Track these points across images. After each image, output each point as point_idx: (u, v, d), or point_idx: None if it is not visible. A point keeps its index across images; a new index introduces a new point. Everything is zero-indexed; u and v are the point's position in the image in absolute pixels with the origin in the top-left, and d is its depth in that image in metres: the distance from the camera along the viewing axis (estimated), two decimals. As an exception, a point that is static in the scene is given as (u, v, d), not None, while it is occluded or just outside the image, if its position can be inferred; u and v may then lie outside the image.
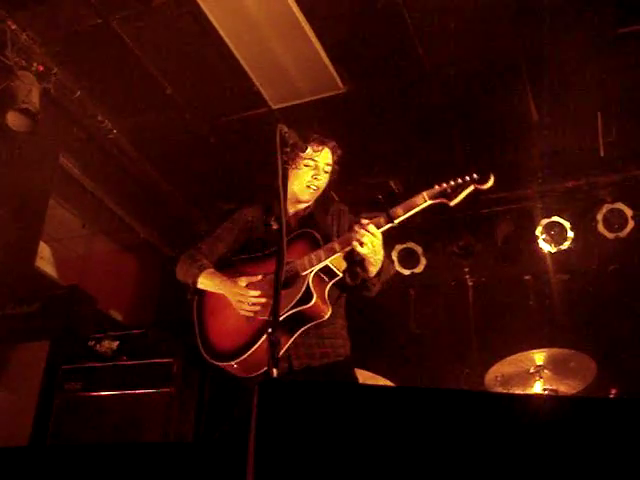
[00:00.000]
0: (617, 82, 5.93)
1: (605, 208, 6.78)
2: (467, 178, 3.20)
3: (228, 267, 3.60)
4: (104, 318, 5.75)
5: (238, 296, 3.42)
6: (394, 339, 7.33)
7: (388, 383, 5.32)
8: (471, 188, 3.20)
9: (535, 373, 5.22)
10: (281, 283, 2.82)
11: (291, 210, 3.70)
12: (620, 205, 6.75)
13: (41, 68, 5.71)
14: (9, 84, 5.43)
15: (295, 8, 5.37)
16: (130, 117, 6.57)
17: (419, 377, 6.62)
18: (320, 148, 3.70)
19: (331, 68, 5.93)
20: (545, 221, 6.96)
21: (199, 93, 6.33)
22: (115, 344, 5.15)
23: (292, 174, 3.65)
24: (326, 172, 3.70)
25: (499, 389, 5.36)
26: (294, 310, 3.25)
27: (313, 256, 3.31)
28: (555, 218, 6.94)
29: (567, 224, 6.90)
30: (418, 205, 3.23)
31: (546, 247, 6.94)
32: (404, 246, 7.45)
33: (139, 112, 6.52)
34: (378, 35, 5.65)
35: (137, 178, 7.19)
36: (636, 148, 6.71)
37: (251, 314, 3.36)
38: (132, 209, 7.57)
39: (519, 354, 5.21)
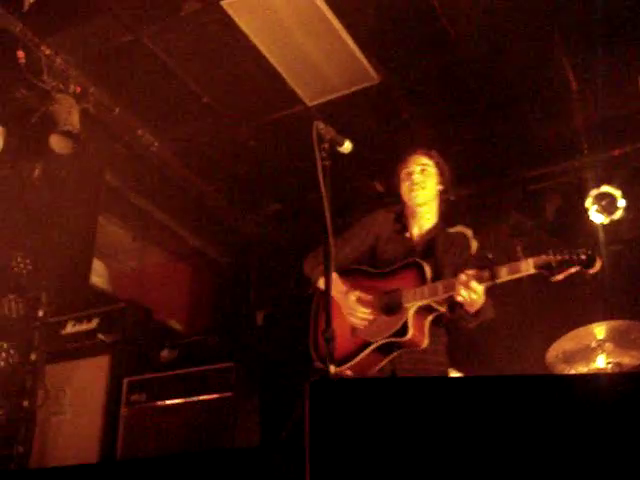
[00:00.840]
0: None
1: (655, 173, 6.64)
2: (575, 257, 3.19)
3: (348, 275, 3.76)
4: (162, 328, 5.82)
5: (347, 309, 3.61)
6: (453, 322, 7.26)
7: (450, 370, 5.29)
8: (576, 269, 3.21)
9: (597, 347, 5.12)
10: (330, 290, 2.89)
11: (415, 229, 3.87)
12: (668, 173, 6.61)
13: (78, 89, 5.80)
14: (49, 108, 5.52)
15: (321, 3, 5.36)
16: (169, 128, 6.65)
17: (480, 362, 6.55)
18: (408, 158, 3.92)
19: (363, 59, 5.91)
20: (594, 192, 6.83)
21: (234, 98, 6.37)
22: (175, 353, 5.22)
23: (402, 193, 3.89)
24: (424, 171, 3.84)
25: (562, 366, 5.28)
26: (389, 340, 3.45)
27: (418, 292, 3.45)
28: (604, 188, 6.81)
29: (617, 193, 6.76)
30: (522, 271, 3.29)
31: (598, 218, 6.81)
32: (454, 230, 7.36)
33: (178, 123, 6.60)
34: (407, 22, 5.60)
35: (181, 187, 7.26)
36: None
37: (360, 327, 3.56)
38: (180, 218, 7.65)
39: (579, 329, 5.13)
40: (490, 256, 6.69)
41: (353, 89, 6.24)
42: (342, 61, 5.92)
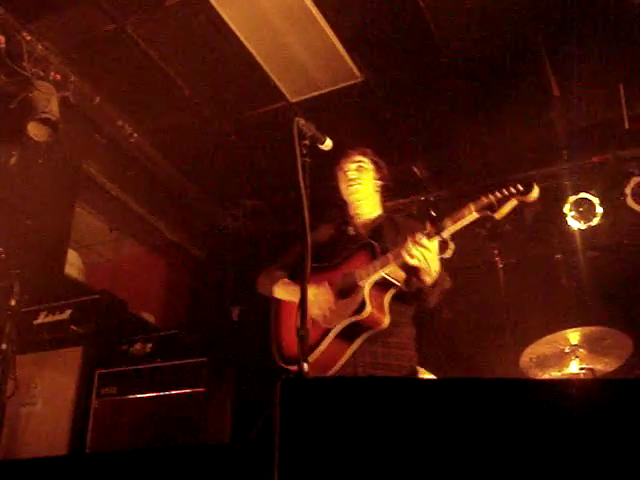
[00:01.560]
0: (638, 52, 5.83)
1: (633, 181, 6.66)
2: (512, 190, 3.21)
3: (295, 278, 3.71)
4: (136, 321, 5.77)
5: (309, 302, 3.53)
6: (427, 325, 7.29)
7: (423, 371, 5.29)
8: (514, 202, 3.22)
9: (570, 353, 5.15)
10: (307, 280, 2.86)
11: (359, 221, 3.86)
12: (646, 178, 6.65)
13: (58, 77, 5.74)
14: (28, 95, 5.46)
15: (307, 0, 5.34)
16: (150, 120, 6.60)
17: (453, 362, 6.58)
18: (344, 159, 3.91)
19: (347, 58, 5.90)
20: (573, 198, 6.86)
21: (217, 91, 6.34)
22: (148, 346, 5.18)
23: (341, 191, 3.90)
24: (360, 169, 3.85)
25: (535, 371, 5.31)
26: (349, 320, 3.38)
27: (370, 267, 3.43)
28: (583, 194, 6.85)
29: (595, 200, 6.80)
30: (465, 217, 3.28)
31: (575, 224, 6.85)
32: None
33: (158, 114, 6.55)
34: (392, 21, 5.60)
35: (160, 180, 7.22)
36: (662, 118, 6.59)
37: (319, 318, 3.48)
38: (158, 211, 7.60)
39: (553, 334, 5.15)
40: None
41: (336, 87, 6.24)
42: (326, 58, 5.91)
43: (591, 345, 5.11)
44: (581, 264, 6.97)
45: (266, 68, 6.03)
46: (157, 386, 4.86)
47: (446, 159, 7.19)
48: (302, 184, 2.97)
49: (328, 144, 3.34)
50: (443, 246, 7.36)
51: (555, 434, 1.71)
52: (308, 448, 1.55)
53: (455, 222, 3.30)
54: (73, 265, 6.33)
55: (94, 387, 4.98)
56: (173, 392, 4.80)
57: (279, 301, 3.76)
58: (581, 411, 1.78)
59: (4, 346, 4.75)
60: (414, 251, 3.26)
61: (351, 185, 3.81)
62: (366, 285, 3.40)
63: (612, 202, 6.83)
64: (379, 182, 3.91)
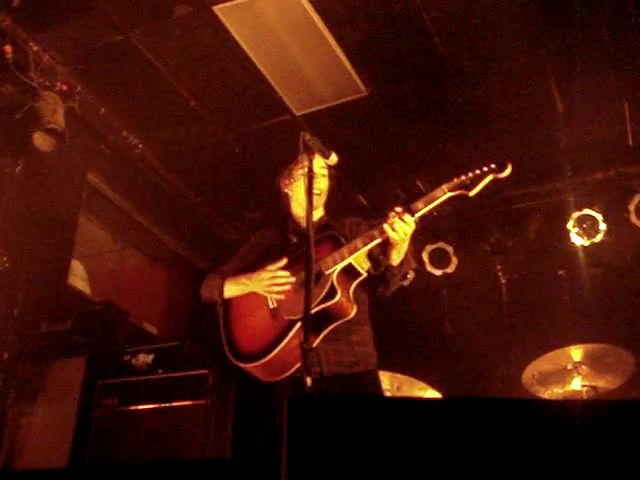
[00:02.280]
0: (642, 69, 5.85)
1: (637, 198, 6.69)
2: (485, 168, 3.28)
3: (250, 268, 3.68)
4: (138, 332, 5.77)
5: (267, 280, 3.52)
6: (429, 341, 7.29)
7: (425, 387, 5.29)
8: (489, 177, 3.28)
9: (573, 370, 5.15)
10: (311, 291, 2.85)
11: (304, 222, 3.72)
12: (652, 194, 6.66)
13: (65, 87, 5.76)
14: (34, 105, 5.47)
15: (313, 14, 5.36)
16: (155, 131, 6.62)
17: (456, 378, 6.57)
18: (311, 156, 3.60)
19: (352, 72, 5.92)
20: (576, 214, 6.88)
21: (222, 104, 6.35)
22: (150, 357, 5.17)
23: (293, 188, 3.83)
24: (324, 175, 3.77)
25: (537, 387, 5.31)
26: (319, 307, 3.29)
27: (337, 255, 3.39)
28: (586, 211, 6.86)
29: (599, 216, 6.82)
30: (438, 198, 3.32)
31: (579, 241, 6.86)
32: (435, 246, 7.41)
33: (164, 126, 6.57)
34: (398, 36, 5.62)
35: (165, 191, 7.23)
36: (666, 135, 6.61)
37: (281, 296, 3.45)
38: (161, 222, 7.61)
39: (556, 351, 5.16)
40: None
41: (341, 101, 6.25)
42: (331, 72, 5.93)
43: (593, 362, 5.11)
44: (584, 281, 6.98)
45: (271, 81, 6.05)
46: (159, 397, 4.85)
47: (449, 174, 7.19)
48: (307, 197, 2.98)
49: (333, 159, 3.33)
50: (446, 260, 7.37)
51: (558, 455, 1.71)
52: (315, 465, 1.54)
53: (427, 203, 3.32)
54: (77, 275, 6.33)
55: (95, 398, 4.97)
56: (175, 404, 4.79)
57: (228, 302, 3.67)
58: (582, 432, 1.78)
59: (6, 355, 4.76)
60: (397, 225, 3.27)
61: (314, 193, 3.54)
62: (334, 273, 3.35)
63: (615, 219, 6.85)
64: (328, 193, 3.83)
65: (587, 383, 5.15)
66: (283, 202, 3.93)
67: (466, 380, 6.69)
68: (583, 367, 5.13)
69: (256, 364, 3.38)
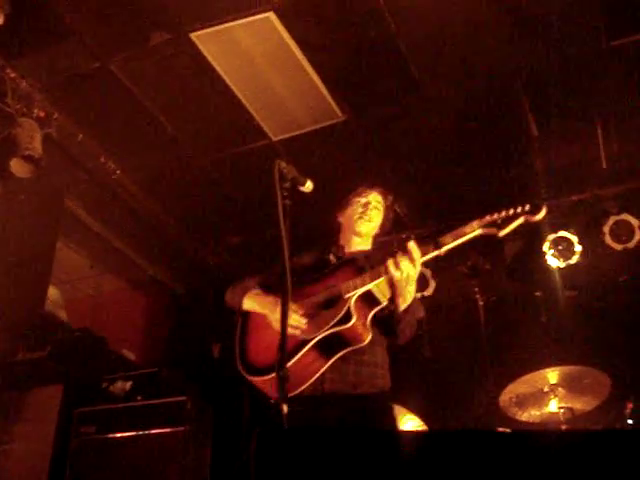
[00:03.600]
0: (614, 94, 5.95)
1: (611, 220, 6.76)
2: (519, 209, 3.16)
3: (274, 290, 3.62)
4: (116, 359, 5.74)
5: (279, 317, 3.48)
6: (407, 363, 7.29)
7: (404, 411, 5.30)
8: (522, 220, 3.16)
9: (550, 392, 5.18)
10: (287, 319, 2.86)
11: (347, 251, 3.81)
12: (626, 216, 6.74)
13: (42, 114, 5.75)
14: (11, 132, 5.47)
15: (289, 40, 5.42)
16: (132, 157, 6.61)
17: (434, 402, 6.57)
18: (368, 191, 3.88)
19: (329, 97, 5.97)
20: (552, 236, 6.94)
21: (200, 130, 6.37)
22: (128, 384, 5.15)
23: (344, 217, 3.91)
24: (377, 208, 3.83)
25: (514, 409, 5.33)
26: (332, 330, 3.28)
27: (358, 280, 3.36)
28: (562, 233, 6.93)
29: (574, 238, 6.88)
30: (467, 234, 3.23)
31: (554, 262, 6.91)
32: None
33: (141, 151, 6.57)
34: (374, 62, 5.68)
35: (142, 216, 7.22)
36: (638, 158, 6.70)
37: (291, 332, 3.32)
38: (139, 247, 7.59)
39: (532, 373, 5.18)
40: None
41: (318, 126, 6.29)
42: (308, 97, 5.97)
43: (570, 384, 5.14)
44: (561, 302, 7.03)
45: (249, 107, 6.08)
46: (137, 425, 4.83)
47: (425, 198, 7.26)
48: (282, 227, 2.98)
49: (309, 186, 3.34)
50: (424, 283, 7.40)
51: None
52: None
53: (456, 238, 3.24)
54: (53, 301, 6.30)
55: (73, 426, 4.93)
56: (153, 431, 4.77)
57: (247, 314, 3.66)
58: (561, 463, 1.79)
59: (-18, 383, 4.71)
60: (402, 263, 3.22)
61: (361, 219, 3.78)
62: (353, 298, 3.32)
63: (591, 240, 6.92)
64: (379, 229, 3.88)
65: (564, 405, 5.18)
66: (335, 229, 3.96)
67: (444, 403, 6.69)
68: (560, 389, 5.16)
69: (265, 378, 3.34)
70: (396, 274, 3.24)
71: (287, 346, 3.30)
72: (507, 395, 5.29)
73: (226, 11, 5.20)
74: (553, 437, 1.85)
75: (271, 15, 5.20)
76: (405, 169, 6.86)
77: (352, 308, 3.29)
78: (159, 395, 4.94)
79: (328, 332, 3.29)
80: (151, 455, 4.67)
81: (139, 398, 5.01)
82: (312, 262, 3.80)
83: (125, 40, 5.47)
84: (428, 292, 7.31)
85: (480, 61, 5.68)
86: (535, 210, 3.14)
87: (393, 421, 3.63)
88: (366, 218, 3.77)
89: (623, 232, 6.70)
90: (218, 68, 5.68)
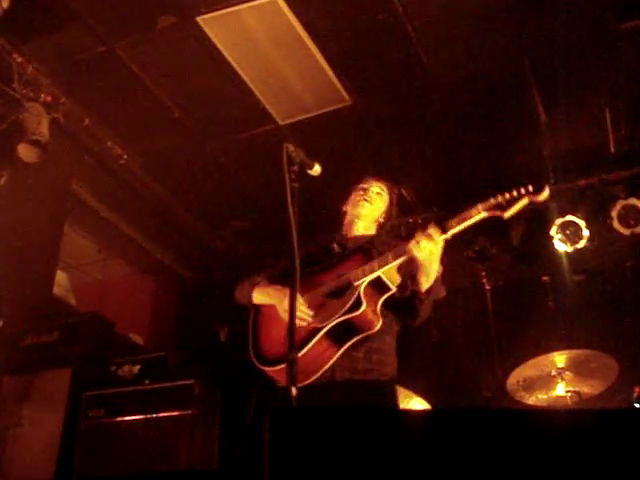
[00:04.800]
0: (622, 78, 5.92)
1: (619, 204, 6.73)
2: (522, 191, 3.13)
3: (284, 282, 3.58)
4: (124, 343, 5.76)
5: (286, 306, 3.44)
6: (415, 347, 7.30)
7: (411, 394, 5.31)
8: (526, 200, 3.13)
9: (557, 375, 5.18)
10: (295, 304, 2.86)
11: (350, 236, 3.81)
12: (634, 200, 6.71)
13: (49, 98, 5.76)
14: (18, 117, 5.47)
15: (297, 24, 5.40)
16: (140, 141, 6.62)
17: (441, 385, 6.59)
18: (371, 180, 3.91)
19: (336, 81, 5.96)
20: (560, 220, 6.92)
21: (206, 114, 6.37)
22: (136, 368, 5.16)
23: (347, 205, 3.91)
24: (379, 194, 3.85)
25: (522, 393, 5.33)
26: (343, 317, 3.29)
27: (366, 267, 3.35)
28: (569, 217, 6.91)
29: (582, 222, 6.86)
30: (472, 217, 3.20)
31: (562, 247, 6.90)
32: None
33: (148, 136, 6.57)
34: (381, 46, 5.67)
35: (150, 201, 7.23)
36: (647, 142, 6.69)
37: (299, 323, 3.31)
38: (146, 232, 7.60)
39: (540, 357, 5.18)
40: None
41: (325, 110, 6.28)
42: (315, 82, 5.96)
43: (577, 368, 5.14)
44: (568, 286, 7.03)
45: (255, 91, 6.07)
46: (145, 408, 4.85)
47: (433, 182, 7.25)
48: (290, 210, 2.98)
49: (317, 170, 3.34)
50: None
51: (545, 465, 1.73)
52: (297, 477, 1.55)
53: (461, 222, 3.21)
54: (61, 286, 6.32)
55: (81, 409, 4.96)
56: (161, 414, 4.79)
57: (258, 307, 3.67)
58: (568, 441, 1.79)
59: (-9, 367, 4.74)
60: (424, 242, 3.19)
61: (360, 200, 3.81)
62: (362, 285, 3.32)
63: (598, 225, 6.90)
64: (384, 216, 3.88)
65: (571, 389, 5.18)
66: (340, 219, 3.96)
67: (451, 387, 6.71)
68: (567, 373, 5.16)
69: (277, 368, 3.35)
70: (420, 255, 3.21)
71: (299, 336, 3.31)
72: (514, 378, 5.29)
73: (233, -5, 5.19)
74: (560, 416, 1.85)
75: (278, -2, 5.18)
76: (412, 153, 6.85)
77: (362, 295, 3.29)
78: (167, 379, 4.96)
79: (339, 320, 3.29)
80: (159, 438, 4.69)
81: (147, 382, 5.02)
82: (316, 252, 3.78)
83: (131, 24, 5.46)
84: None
85: (488, 45, 5.65)
86: (538, 190, 3.13)
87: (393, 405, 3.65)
88: (367, 200, 3.79)
89: (631, 216, 6.68)
90: (225, 52, 5.67)
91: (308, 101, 6.18)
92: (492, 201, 3.19)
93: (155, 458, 4.61)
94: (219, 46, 5.60)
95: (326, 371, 3.34)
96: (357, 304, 3.29)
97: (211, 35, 5.50)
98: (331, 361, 3.34)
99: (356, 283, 3.35)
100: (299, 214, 3.04)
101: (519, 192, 3.14)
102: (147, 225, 7.52)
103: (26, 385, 5.09)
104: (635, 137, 6.59)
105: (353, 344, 3.37)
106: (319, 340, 3.32)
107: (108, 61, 5.73)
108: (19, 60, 5.56)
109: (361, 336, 3.35)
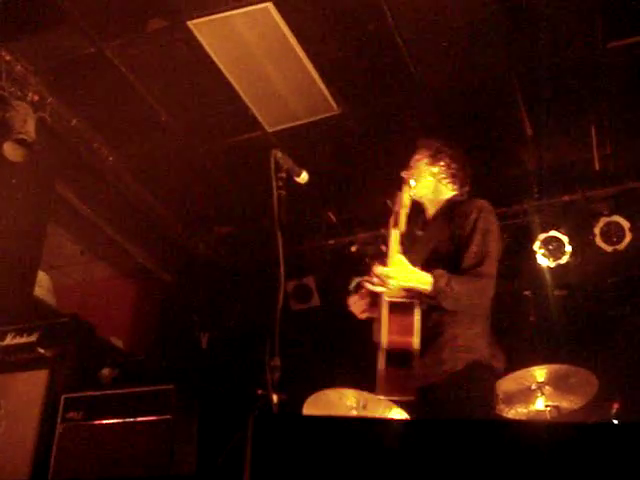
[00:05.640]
0: (609, 96, 5.97)
1: (602, 221, 6.78)
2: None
3: None
4: (104, 345, 5.72)
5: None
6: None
7: (391, 405, 5.30)
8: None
9: (537, 390, 5.19)
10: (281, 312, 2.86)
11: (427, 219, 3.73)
12: (617, 218, 6.76)
13: (36, 97, 5.73)
14: (4, 115, 5.44)
15: (287, 31, 5.41)
16: (126, 144, 6.60)
17: (422, 397, 6.59)
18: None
19: (325, 90, 5.97)
20: (543, 236, 6.96)
21: (194, 118, 6.36)
22: (115, 372, 5.13)
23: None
24: (413, 167, 3.86)
25: (501, 407, 5.34)
26: (383, 351, 3.24)
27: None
28: (553, 232, 6.94)
29: (565, 238, 6.90)
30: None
31: (544, 262, 6.93)
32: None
33: (135, 139, 6.55)
34: (370, 56, 5.69)
35: (134, 204, 7.20)
36: (631, 160, 6.74)
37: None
38: (130, 235, 7.57)
39: (520, 371, 5.19)
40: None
41: (313, 118, 6.28)
42: (304, 90, 5.97)
43: (557, 383, 5.16)
44: (550, 302, 7.05)
45: (244, 97, 6.07)
46: (123, 412, 4.81)
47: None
48: (277, 217, 2.98)
49: (304, 177, 3.36)
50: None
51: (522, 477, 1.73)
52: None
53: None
54: (42, 287, 6.28)
55: (59, 411, 4.92)
56: (139, 419, 4.76)
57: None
58: (545, 455, 1.80)
59: (-30, 367, 4.69)
60: (375, 286, 3.24)
61: (407, 173, 3.80)
62: (383, 311, 3.25)
63: (581, 241, 6.94)
64: (438, 168, 3.80)
65: (550, 403, 5.19)
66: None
67: (432, 399, 6.71)
68: (547, 387, 5.17)
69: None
70: (376, 289, 3.27)
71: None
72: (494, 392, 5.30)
73: (224, 0, 5.19)
74: (539, 429, 1.86)
75: (269, 6, 5.19)
76: (399, 165, 6.85)
77: (384, 323, 3.23)
78: (146, 383, 4.93)
79: (384, 352, 3.24)
80: (137, 443, 4.65)
81: (126, 385, 4.99)
82: (405, 242, 3.58)
83: (122, 26, 5.45)
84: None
85: (476, 59, 5.70)
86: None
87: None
88: (409, 183, 3.75)
89: (613, 234, 6.72)
90: (215, 57, 5.67)
91: (296, 109, 6.19)
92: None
93: (132, 462, 4.58)
94: (209, 51, 5.60)
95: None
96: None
97: (201, 40, 5.50)
98: (415, 379, 3.31)
99: (383, 310, 3.30)
100: (285, 222, 3.04)
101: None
102: (131, 228, 7.49)
103: (3, 385, 5.04)
104: (620, 155, 6.64)
105: (436, 344, 3.34)
106: (385, 367, 3.28)
107: (97, 62, 5.72)
108: (7, 58, 5.54)
109: (413, 356, 3.29)
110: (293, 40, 5.49)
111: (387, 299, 3.24)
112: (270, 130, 6.43)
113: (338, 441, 1.60)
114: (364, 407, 4.93)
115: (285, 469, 1.55)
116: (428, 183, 3.78)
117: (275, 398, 2.70)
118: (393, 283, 3.22)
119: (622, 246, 6.65)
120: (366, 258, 7.50)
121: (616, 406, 5.08)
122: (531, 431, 1.84)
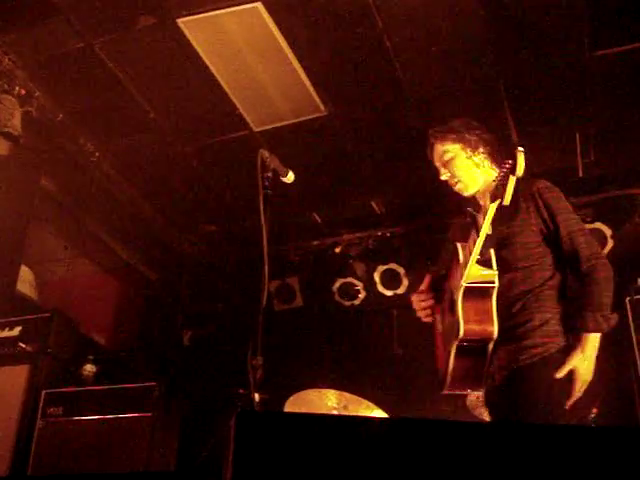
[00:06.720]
0: (594, 103, 6.02)
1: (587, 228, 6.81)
2: (504, 171, 2.86)
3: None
4: (86, 342, 5.72)
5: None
6: (377, 360, 7.34)
7: (372, 406, 5.33)
8: (513, 179, 2.84)
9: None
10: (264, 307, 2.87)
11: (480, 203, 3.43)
12: (599, 225, 6.81)
13: (23, 91, 5.71)
14: (-10, 108, 5.42)
15: (276, 32, 5.42)
16: (112, 140, 6.57)
17: (402, 398, 6.62)
18: (430, 153, 3.70)
19: (312, 91, 5.98)
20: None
21: (181, 116, 6.35)
22: (96, 368, 5.13)
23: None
24: (444, 164, 3.60)
25: (481, 410, 5.37)
26: (456, 344, 3.11)
27: (458, 275, 3.12)
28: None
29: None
30: (482, 224, 2.96)
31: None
32: (386, 267, 7.50)
33: (121, 135, 6.53)
34: (358, 59, 5.70)
35: (119, 201, 7.18)
36: (614, 168, 6.79)
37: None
38: (114, 232, 7.55)
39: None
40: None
41: (300, 119, 6.29)
42: (291, 90, 5.98)
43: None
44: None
45: (232, 96, 6.07)
46: (104, 409, 4.82)
47: (404, 196, 7.30)
48: (263, 216, 2.99)
49: (290, 177, 3.37)
50: (397, 281, 7.42)
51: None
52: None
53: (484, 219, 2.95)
54: (25, 282, 6.26)
55: (40, 407, 4.91)
56: (120, 416, 4.76)
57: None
58: (525, 457, 1.82)
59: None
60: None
61: (454, 187, 3.56)
62: (459, 298, 3.07)
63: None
64: (477, 156, 3.53)
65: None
66: None
67: (412, 400, 6.74)
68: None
69: (444, 391, 3.34)
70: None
71: (441, 357, 3.33)
72: (474, 395, 5.33)
73: (214, -1, 5.20)
74: (520, 430, 1.88)
75: (259, 5, 5.19)
76: (384, 167, 6.89)
77: (459, 313, 3.06)
78: (128, 380, 4.94)
79: (455, 347, 3.12)
80: (117, 439, 4.66)
81: (107, 382, 4.99)
82: (464, 232, 3.37)
83: (111, 22, 5.42)
84: (401, 290, 7.36)
85: (463, 64, 5.72)
86: (513, 163, 2.85)
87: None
88: (452, 184, 3.57)
89: (596, 240, 6.75)
90: (203, 56, 5.66)
91: (283, 109, 6.20)
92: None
93: (112, 459, 4.58)
94: (198, 49, 5.60)
95: (489, 378, 3.27)
96: (457, 326, 3.11)
97: (190, 38, 5.49)
98: (484, 368, 3.23)
99: (455, 297, 3.16)
100: (270, 222, 3.05)
101: (502, 173, 2.87)
102: (115, 225, 7.47)
103: (-16, 379, 5.03)
104: (603, 162, 6.69)
105: (508, 337, 3.22)
106: (454, 362, 3.21)
107: (86, 58, 5.69)
108: (-5, 51, 5.51)
109: (492, 344, 3.17)
110: (282, 40, 5.50)
111: (464, 284, 3.03)
112: (257, 130, 6.43)
113: (321, 439, 1.61)
114: (345, 407, 4.96)
115: (267, 467, 1.57)
116: (476, 176, 3.55)
117: (257, 397, 2.70)
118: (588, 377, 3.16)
119: (604, 253, 6.70)
120: (350, 260, 7.53)
121: (595, 411, 5.11)
122: (511, 433, 1.86)
